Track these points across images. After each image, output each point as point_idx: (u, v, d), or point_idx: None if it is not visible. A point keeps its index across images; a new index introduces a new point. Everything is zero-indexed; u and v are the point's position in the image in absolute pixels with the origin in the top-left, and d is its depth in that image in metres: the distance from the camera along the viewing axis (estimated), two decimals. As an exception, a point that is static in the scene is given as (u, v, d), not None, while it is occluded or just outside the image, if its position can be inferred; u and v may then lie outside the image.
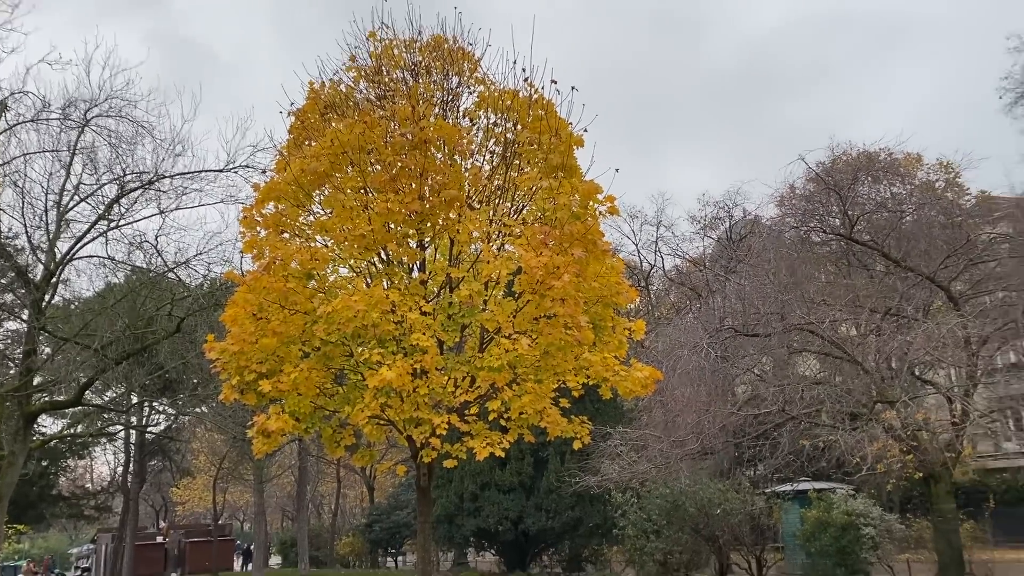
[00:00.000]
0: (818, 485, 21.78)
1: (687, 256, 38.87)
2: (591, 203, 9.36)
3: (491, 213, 10.21)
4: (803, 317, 17.69)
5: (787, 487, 22.06)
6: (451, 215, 9.76)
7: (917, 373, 19.89)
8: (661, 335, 24.04)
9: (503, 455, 9.74)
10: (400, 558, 45.47)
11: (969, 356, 18.38)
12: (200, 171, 18.97)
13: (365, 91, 10.74)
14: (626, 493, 22.33)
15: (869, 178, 23.52)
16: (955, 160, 26.78)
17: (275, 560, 52.34)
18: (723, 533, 21.56)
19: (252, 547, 42.55)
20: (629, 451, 21.68)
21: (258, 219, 9.94)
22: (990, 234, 22.50)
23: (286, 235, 9.92)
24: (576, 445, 10.64)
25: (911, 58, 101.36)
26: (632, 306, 36.08)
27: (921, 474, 18.25)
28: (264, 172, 17.39)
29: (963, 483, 20.82)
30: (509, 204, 10.46)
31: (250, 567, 40.92)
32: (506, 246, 9.92)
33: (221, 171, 18.89)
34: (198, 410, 31.06)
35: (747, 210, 33.86)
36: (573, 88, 9.92)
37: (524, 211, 10.49)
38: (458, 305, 9.74)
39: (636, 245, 40.36)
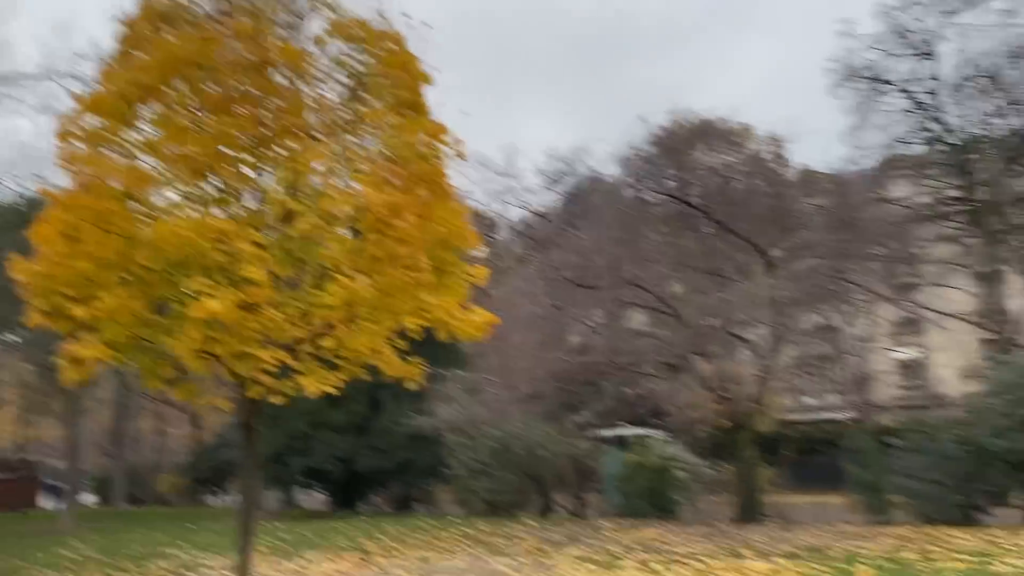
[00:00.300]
0: (638, 431, 23.10)
1: (533, 208, 39.46)
2: (438, 144, 9.28)
3: (336, 146, 9.90)
4: (634, 272, 18.51)
5: (609, 432, 23.25)
6: (292, 144, 9.38)
7: (733, 330, 21.34)
8: (503, 283, 24.45)
9: (336, 393, 9.64)
10: (226, 497, 44.37)
11: (779, 316, 19.93)
12: (13, 76, 17.22)
13: (204, 5, 10.03)
14: (459, 435, 22.80)
15: (705, 145, 24.71)
16: (783, 134, 28.54)
17: (90, 498, 49.65)
18: (548, 474, 22.55)
19: (61, 484, 40.18)
20: (465, 394, 22.11)
21: (77, 133, 9.14)
22: (808, 205, 24.29)
23: (107, 152, 9.20)
24: (410, 386, 10.67)
25: (758, 29, 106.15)
26: (477, 254, 36.35)
27: (729, 423, 19.74)
28: (87, 83, 16.00)
29: (766, 433, 22.66)
30: (355, 139, 10.17)
31: (59, 505, 38.63)
32: (350, 182, 9.68)
33: (38, 78, 17.22)
34: (3, 337, 28.63)
35: (591, 167, 34.76)
36: (426, 24, 9.72)
37: (370, 147, 10.23)
38: (296, 239, 9.44)
39: (484, 194, 40.60)
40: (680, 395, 17.60)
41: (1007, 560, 10.61)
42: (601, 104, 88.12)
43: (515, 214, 40.42)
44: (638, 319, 24.11)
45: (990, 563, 10.32)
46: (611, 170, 27.62)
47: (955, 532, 15.33)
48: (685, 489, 21.05)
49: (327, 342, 9.31)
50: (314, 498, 31.75)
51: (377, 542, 16.15)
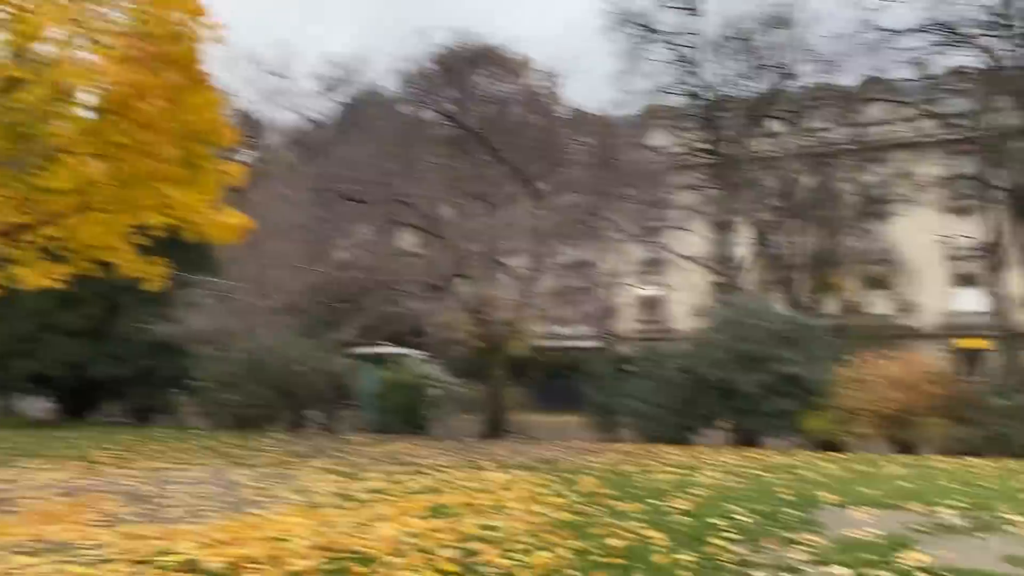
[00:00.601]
0: (396, 350, 23.35)
1: (306, 114, 37.74)
2: (195, 26, 8.53)
3: (75, 12, 8.80)
4: (404, 191, 18.40)
5: (367, 350, 23.30)
6: (20, 1, 8.22)
7: (495, 256, 21.97)
8: (267, 189, 23.36)
9: (65, 290, 8.83)
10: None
11: (539, 247, 20.81)
12: None
13: None
14: (207, 345, 21.80)
15: (485, 71, 24.87)
16: (558, 70, 29.41)
17: None
18: (302, 390, 22.24)
19: None
20: (216, 302, 21.08)
21: None
22: (575, 143, 25.33)
23: None
24: (152, 288, 10.01)
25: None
26: (241, 155, 34.35)
27: (484, 345, 20.50)
28: None
29: (517, 356, 23.79)
30: (98, 7, 9.09)
31: None
32: (89, 55, 8.67)
33: None
34: None
35: (371, 78, 33.76)
36: None
37: (117, 19, 9.20)
38: (20, 112, 8.36)
39: (253, 93, 38.27)
40: (439, 316, 17.96)
41: (706, 472, 12.09)
42: (385, 14, 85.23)
43: (286, 118, 38.49)
44: (406, 238, 24.13)
45: (693, 475, 11.68)
46: (391, 84, 27.07)
47: (670, 449, 17.19)
48: (438, 407, 21.70)
49: (52, 231, 8.44)
50: (41, 406, 29.09)
51: (108, 452, 15.16)
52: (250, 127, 35.89)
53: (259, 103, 37.84)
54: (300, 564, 5.66)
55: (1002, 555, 6.14)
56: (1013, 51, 23.43)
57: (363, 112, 27.03)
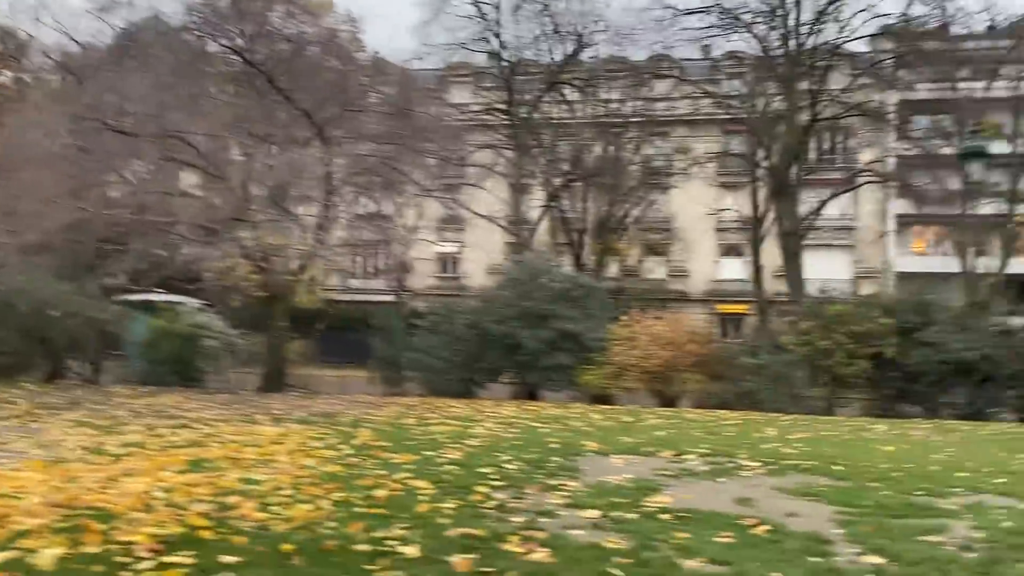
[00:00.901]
0: (169, 297, 21.88)
1: (75, 36, 34.08)
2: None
3: None
4: (181, 126, 17.06)
5: (137, 296, 21.66)
6: None
7: (282, 202, 21.04)
8: (25, 113, 20.91)
9: None
10: None
11: (330, 195, 20.15)
12: None
13: None
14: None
15: (280, 8, 23.48)
16: (360, 15, 28.50)
17: None
18: (59, 337, 20.30)
19: None
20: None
21: None
22: (373, 91, 24.66)
23: None
24: None
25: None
26: (3, 78, 30.50)
27: (266, 294, 19.64)
28: None
29: (304, 308, 23.06)
30: None
31: None
32: None
33: None
34: None
35: (151, 2, 31.07)
36: None
37: None
38: None
39: (10, 8, 34.00)
40: (217, 262, 16.93)
41: (484, 424, 12.41)
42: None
43: (52, 38, 34.54)
44: (184, 178, 22.50)
45: (471, 427, 11.92)
46: (173, 11, 24.94)
47: (454, 403, 17.45)
48: (213, 358, 20.65)
49: None
50: None
51: None
52: (10, 44, 31.88)
53: (19, 18, 33.64)
54: (29, 522, 5.12)
55: (735, 497, 6.74)
56: (782, 41, 25.60)
57: (140, 39, 24.68)
